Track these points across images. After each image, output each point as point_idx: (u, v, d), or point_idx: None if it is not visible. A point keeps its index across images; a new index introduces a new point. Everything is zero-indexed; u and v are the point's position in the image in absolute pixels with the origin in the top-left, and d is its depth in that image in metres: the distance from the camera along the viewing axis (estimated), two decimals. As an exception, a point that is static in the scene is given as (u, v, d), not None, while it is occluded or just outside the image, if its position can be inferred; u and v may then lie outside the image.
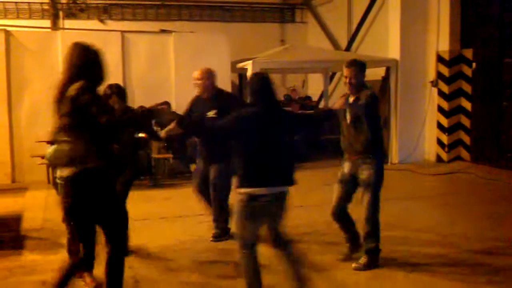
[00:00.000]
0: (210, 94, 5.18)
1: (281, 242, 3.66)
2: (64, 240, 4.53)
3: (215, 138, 4.62)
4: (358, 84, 4.42)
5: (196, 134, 5.23)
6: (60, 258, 4.49)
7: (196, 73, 5.22)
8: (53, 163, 3.54)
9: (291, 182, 3.61)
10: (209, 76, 5.21)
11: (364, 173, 4.40)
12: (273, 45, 12.31)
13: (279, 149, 3.58)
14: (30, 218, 6.14)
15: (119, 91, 4.92)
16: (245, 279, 3.60)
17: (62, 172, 3.41)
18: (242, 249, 3.56)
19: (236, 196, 3.58)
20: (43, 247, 5.23)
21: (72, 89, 3.31)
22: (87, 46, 3.52)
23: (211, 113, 4.98)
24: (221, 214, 5.33)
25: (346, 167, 4.55)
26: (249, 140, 3.53)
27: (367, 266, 4.44)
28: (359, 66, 4.48)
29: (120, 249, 3.48)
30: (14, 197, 7.47)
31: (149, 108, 3.56)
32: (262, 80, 3.68)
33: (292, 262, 3.63)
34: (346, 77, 4.45)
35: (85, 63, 3.43)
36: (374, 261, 4.49)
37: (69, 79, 3.40)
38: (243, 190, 3.51)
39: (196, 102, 5.34)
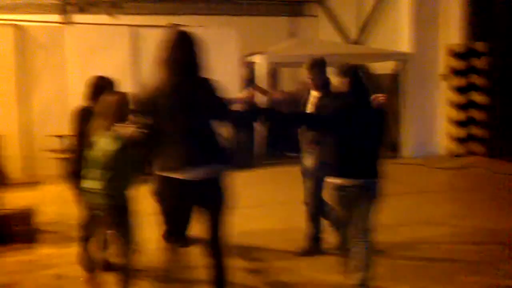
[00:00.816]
0: None
1: (359, 234, 3.68)
2: (76, 233, 4.49)
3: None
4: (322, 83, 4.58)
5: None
6: (74, 251, 4.50)
7: None
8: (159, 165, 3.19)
9: (376, 174, 3.65)
10: None
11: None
12: (282, 39, 12.25)
13: (368, 141, 3.63)
14: (44, 212, 6.13)
15: (111, 85, 4.36)
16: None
17: (184, 174, 3.14)
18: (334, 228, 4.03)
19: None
20: (57, 240, 5.25)
21: (205, 89, 3.14)
22: (195, 38, 3.24)
23: None
24: None
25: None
26: (342, 132, 3.60)
27: None
28: (320, 66, 4.63)
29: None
30: (27, 191, 7.49)
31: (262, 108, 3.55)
32: (357, 72, 3.69)
33: (362, 257, 3.65)
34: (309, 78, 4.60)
35: (198, 58, 3.18)
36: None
37: (189, 77, 3.16)
38: (332, 179, 3.65)
39: None
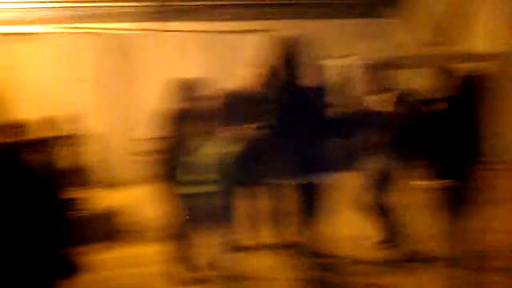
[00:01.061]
0: None
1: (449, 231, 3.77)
2: (161, 233, 4.56)
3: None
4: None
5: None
6: (159, 251, 4.55)
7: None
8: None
9: (464, 177, 3.74)
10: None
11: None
12: (355, 42, 12.02)
13: (457, 143, 3.75)
14: (130, 213, 6.26)
15: (201, 87, 4.19)
16: None
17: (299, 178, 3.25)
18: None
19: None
20: (144, 240, 5.37)
21: (309, 96, 3.31)
22: (301, 45, 3.48)
23: None
24: None
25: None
26: (433, 135, 3.73)
27: None
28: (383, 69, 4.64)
29: None
30: (114, 192, 7.71)
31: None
32: (454, 74, 3.82)
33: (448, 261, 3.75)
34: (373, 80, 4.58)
35: (301, 65, 3.43)
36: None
37: (295, 83, 3.34)
38: (419, 182, 3.86)
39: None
